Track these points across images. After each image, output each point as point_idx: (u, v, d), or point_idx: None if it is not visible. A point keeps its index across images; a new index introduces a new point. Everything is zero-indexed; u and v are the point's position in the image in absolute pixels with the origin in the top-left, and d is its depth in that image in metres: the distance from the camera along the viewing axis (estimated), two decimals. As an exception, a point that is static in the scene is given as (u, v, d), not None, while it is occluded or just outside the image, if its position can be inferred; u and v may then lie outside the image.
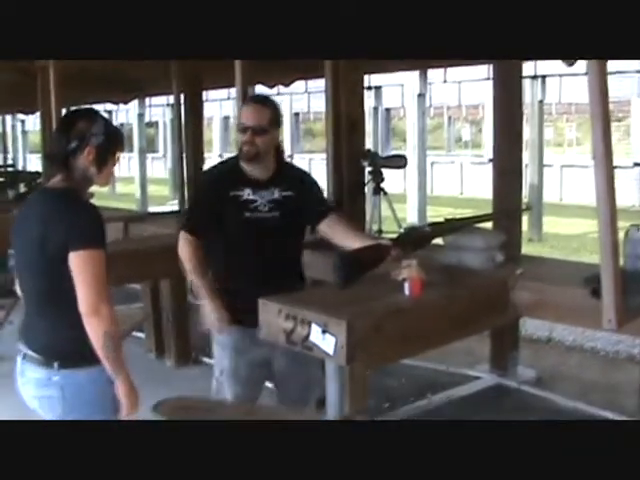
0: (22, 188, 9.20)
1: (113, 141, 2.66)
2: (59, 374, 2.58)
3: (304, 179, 3.45)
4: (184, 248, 3.30)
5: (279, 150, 3.38)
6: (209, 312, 3.32)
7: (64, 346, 2.59)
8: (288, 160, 3.69)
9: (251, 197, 3.24)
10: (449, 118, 27.84)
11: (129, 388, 2.58)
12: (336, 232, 3.29)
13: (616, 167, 2.54)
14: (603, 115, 2.32)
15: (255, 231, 3.24)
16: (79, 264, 2.49)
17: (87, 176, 2.63)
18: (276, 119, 3.27)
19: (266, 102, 3.31)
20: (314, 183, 3.47)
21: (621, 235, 2.93)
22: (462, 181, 23.29)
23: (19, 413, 2.58)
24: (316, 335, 2.62)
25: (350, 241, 3.18)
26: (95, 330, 2.49)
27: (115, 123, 3.31)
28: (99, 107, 16.11)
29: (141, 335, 6.00)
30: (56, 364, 2.57)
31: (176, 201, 8.22)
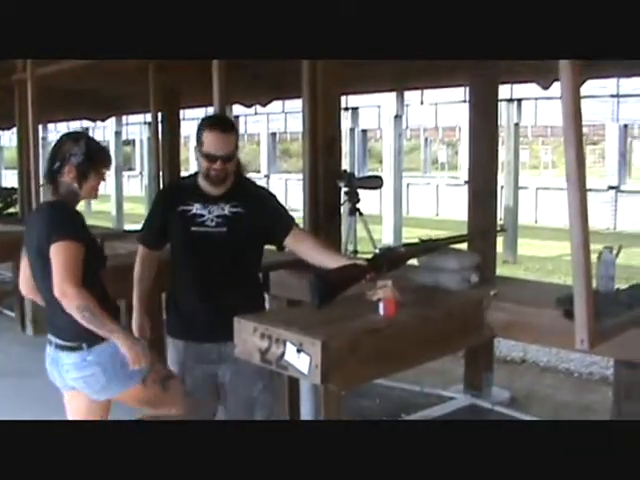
0: (-3, 204, 9.09)
1: (93, 160, 3.03)
2: (91, 353, 2.95)
3: (261, 196, 3.39)
4: (136, 259, 3.43)
5: (238, 166, 3.35)
6: (133, 325, 3.42)
7: (85, 330, 2.85)
8: (248, 177, 3.64)
9: (199, 212, 3.24)
10: (425, 140, 28.02)
11: (129, 343, 2.89)
12: (305, 248, 3.26)
13: (591, 190, 2.57)
14: (576, 138, 2.33)
15: (201, 246, 3.25)
16: (52, 254, 2.85)
17: (71, 191, 3.03)
18: (237, 140, 3.28)
19: (232, 128, 3.28)
20: (272, 199, 3.40)
21: (595, 257, 2.96)
22: (438, 202, 23.39)
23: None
24: (291, 354, 2.62)
25: (321, 257, 3.16)
26: (68, 309, 2.82)
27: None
28: (75, 124, 16.08)
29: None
30: (84, 345, 2.95)
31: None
